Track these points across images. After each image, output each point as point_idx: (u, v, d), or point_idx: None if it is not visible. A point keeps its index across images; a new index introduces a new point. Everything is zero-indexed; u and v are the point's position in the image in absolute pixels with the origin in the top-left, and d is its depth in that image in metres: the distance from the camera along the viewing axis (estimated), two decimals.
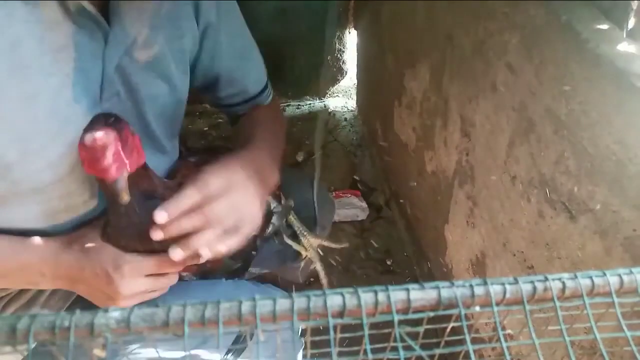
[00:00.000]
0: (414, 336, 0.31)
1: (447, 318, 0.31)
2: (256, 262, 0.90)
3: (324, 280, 0.97)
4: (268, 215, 0.85)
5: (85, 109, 0.62)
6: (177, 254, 0.62)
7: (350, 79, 2.32)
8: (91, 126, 0.52)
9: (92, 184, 0.68)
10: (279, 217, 0.87)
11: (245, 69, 0.87)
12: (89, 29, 0.60)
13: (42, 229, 0.67)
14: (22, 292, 0.76)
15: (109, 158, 0.51)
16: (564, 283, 0.31)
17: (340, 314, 0.29)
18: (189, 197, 0.62)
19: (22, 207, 0.64)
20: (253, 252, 0.89)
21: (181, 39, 0.73)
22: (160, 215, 0.60)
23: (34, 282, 0.69)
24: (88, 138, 0.50)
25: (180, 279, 0.77)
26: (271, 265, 0.94)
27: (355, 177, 1.93)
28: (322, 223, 1.03)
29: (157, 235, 0.61)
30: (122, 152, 0.53)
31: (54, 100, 0.59)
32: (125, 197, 0.57)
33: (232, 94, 0.89)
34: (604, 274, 0.32)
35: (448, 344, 0.34)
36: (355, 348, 0.31)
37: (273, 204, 0.86)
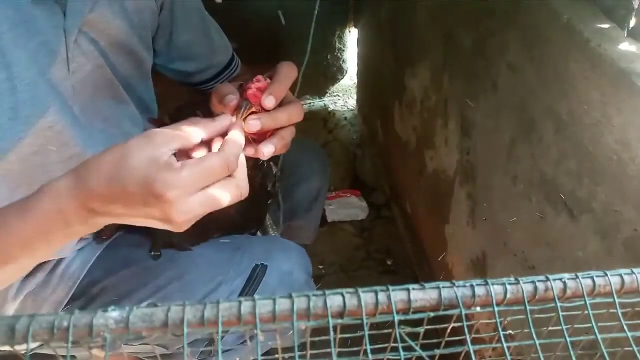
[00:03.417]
0: (414, 337, 0.31)
1: (448, 318, 0.31)
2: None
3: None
4: (271, 177, 0.92)
5: (56, 81, 0.64)
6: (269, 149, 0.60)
7: (350, 79, 2.32)
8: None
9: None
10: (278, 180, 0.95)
11: (207, 43, 0.91)
12: (47, 3, 0.62)
13: None
14: None
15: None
16: (565, 283, 0.31)
17: (341, 315, 0.29)
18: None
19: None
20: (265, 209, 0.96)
21: (141, 13, 0.76)
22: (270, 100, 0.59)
23: (56, 239, 0.52)
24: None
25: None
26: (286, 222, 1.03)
27: (355, 176, 1.92)
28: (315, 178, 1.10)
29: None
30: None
31: (26, 71, 0.60)
32: None
33: (201, 70, 0.92)
34: (606, 275, 0.32)
35: (449, 344, 0.33)
36: (356, 349, 0.31)
37: (275, 169, 0.92)
